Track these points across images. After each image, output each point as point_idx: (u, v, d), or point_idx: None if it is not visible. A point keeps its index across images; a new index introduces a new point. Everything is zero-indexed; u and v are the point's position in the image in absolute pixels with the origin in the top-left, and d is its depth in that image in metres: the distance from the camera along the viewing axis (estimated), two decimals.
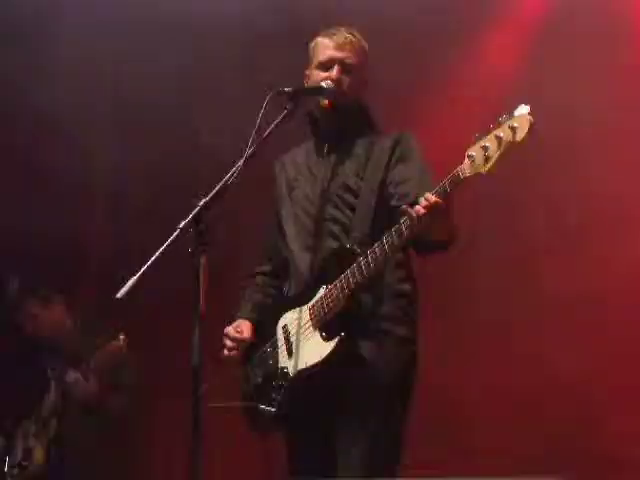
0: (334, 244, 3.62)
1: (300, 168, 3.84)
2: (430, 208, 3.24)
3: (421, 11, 5.69)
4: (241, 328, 3.77)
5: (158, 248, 3.20)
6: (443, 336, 5.38)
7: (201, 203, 3.24)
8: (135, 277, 3.15)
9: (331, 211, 3.67)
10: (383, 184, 3.63)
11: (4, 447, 5.53)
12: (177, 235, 3.21)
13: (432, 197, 3.24)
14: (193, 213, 3.21)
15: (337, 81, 3.70)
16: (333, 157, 3.75)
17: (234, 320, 3.83)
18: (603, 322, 5.49)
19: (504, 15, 5.96)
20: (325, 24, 3.87)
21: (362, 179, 3.65)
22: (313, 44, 3.84)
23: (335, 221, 3.66)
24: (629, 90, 5.54)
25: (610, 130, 5.52)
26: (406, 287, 3.66)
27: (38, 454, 5.45)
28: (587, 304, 5.47)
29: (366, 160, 3.69)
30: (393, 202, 3.57)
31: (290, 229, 3.77)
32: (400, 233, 3.35)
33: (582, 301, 5.47)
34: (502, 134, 3.04)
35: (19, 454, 5.49)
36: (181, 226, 3.20)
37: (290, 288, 3.76)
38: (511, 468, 5.02)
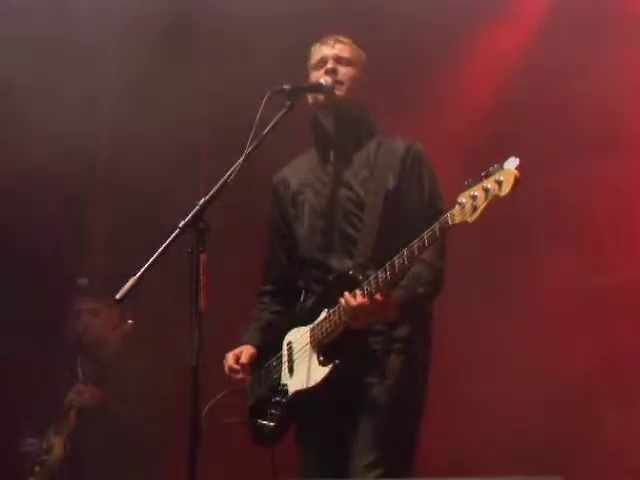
0: (348, 262, 3.58)
1: (305, 180, 3.78)
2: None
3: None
4: (241, 354, 3.75)
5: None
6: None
7: (201, 202, 3.21)
8: (135, 277, 3.13)
9: (341, 224, 3.64)
10: (390, 195, 3.60)
11: (35, 446, 5.60)
12: (177, 234, 3.17)
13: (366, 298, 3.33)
14: (193, 212, 3.18)
15: (333, 71, 3.68)
16: (339, 165, 3.71)
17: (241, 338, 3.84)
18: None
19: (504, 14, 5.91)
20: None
21: (368, 190, 3.62)
22: (307, 55, 3.82)
23: (346, 237, 3.63)
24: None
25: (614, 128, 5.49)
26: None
27: (57, 448, 5.52)
28: None
29: (372, 167, 3.66)
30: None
31: (302, 245, 3.73)
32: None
33: None
34: (489, 186, 3.03)
35: (43, 451, 5.58)
36: (181, 225, 3.18)
37: (305, 301, 3.74)
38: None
